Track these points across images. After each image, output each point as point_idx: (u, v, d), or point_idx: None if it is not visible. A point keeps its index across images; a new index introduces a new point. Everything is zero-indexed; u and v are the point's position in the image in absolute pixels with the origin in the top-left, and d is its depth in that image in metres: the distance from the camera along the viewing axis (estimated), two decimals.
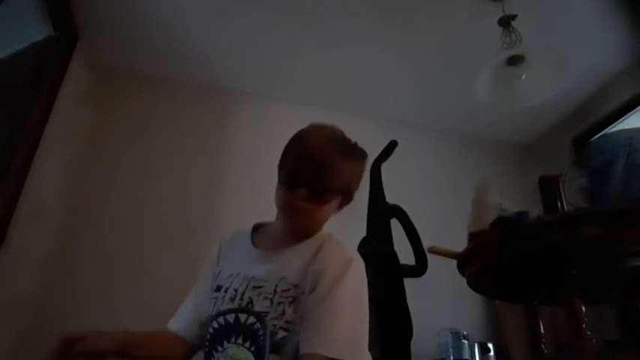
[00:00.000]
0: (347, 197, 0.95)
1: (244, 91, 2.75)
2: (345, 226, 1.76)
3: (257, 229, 1.02)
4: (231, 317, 0.86)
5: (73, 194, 2.24)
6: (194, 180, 2.48)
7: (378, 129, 2.72)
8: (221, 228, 2.24)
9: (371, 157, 1.93)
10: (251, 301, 0.85)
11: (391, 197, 1.86)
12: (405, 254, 1.73)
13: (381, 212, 1.80)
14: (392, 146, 1.88)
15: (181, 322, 0.96)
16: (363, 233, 1.82)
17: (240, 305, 0.86)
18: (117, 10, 2.20)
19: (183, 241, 2.24)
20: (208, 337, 0.88)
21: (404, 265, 1.69)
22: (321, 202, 0.89)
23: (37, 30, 2.05)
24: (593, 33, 2.30)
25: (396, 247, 1.74)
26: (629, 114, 2.47)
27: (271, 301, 0.84)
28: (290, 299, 0.83)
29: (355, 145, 0.95)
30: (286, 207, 0.90)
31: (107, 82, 2.51)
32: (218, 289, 0.92)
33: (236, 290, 0.88)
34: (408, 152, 2.20)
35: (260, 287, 0.86)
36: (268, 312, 0.83)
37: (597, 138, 2.38)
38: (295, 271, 0.86)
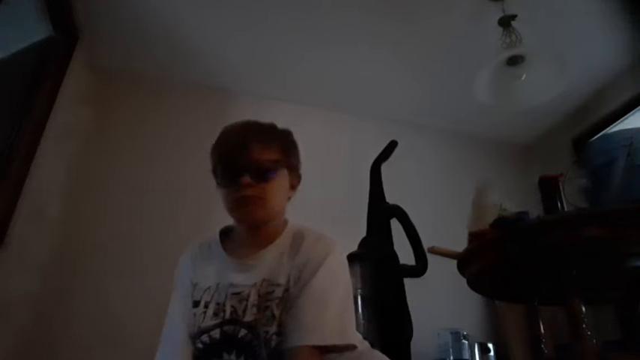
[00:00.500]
0: (293, 173, 0.94)
1: (244, 91, 2.74)
2: (345, 226, 1.76)
3: (225, 233, 0.98)
4: (216, 333, 0.82)
5: (73, 194, 2.24)
6: (194, 179, 2.48)
7: (378, 129, 2.73)
8: (221, 228, 2.23)
9: (371, 157, 1.95)
10: (234, 310, 0.82)
11: (391, 197, 1.86)
12: (405, 254, 1.73)
13: (381, 212, 1.81)
14: (392, 146, 1.88)
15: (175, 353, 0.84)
16: (363, 233, 1.82)
17: (224, 318, 0.82)
18: (117, 10, 2.20)
19: (184, 241, 2.22)
20: (193, 358, 0.83)
21: (404, 265, 1.69)
22: (266, 179, 0.87)
23: (37, 30, 2.05)
24: (593, 33, 2.30)
25: (396, 247, 1.74)
26: (629, 114, 2.47)
27: (257, 307, 0.81)
28: (276, 300, 0.80)
29: (271, 123, 0.98)
30: (237, 202, 0.87)
31: (107, 82, 2.51)
32: (195, 304, 0.87)
33: (218, 304, 0.84)
34: (408, 152, 2.20)
35: (239, 293, 0.83)
36: (257, 319, 0.80)
37: (597, 138, 2.38)
38: (275, 270, 0.84)
